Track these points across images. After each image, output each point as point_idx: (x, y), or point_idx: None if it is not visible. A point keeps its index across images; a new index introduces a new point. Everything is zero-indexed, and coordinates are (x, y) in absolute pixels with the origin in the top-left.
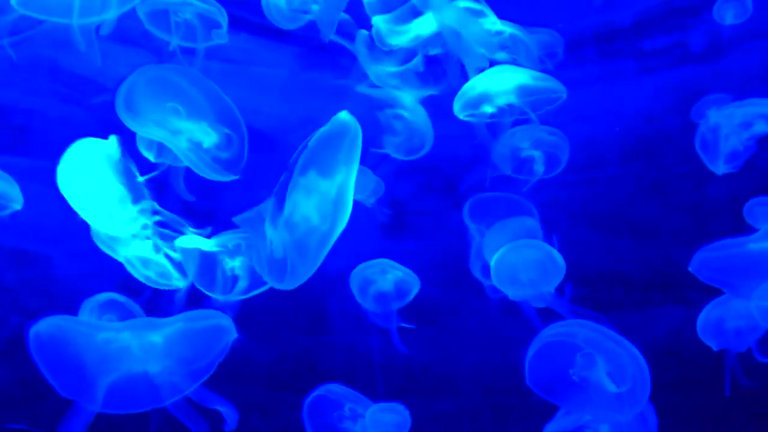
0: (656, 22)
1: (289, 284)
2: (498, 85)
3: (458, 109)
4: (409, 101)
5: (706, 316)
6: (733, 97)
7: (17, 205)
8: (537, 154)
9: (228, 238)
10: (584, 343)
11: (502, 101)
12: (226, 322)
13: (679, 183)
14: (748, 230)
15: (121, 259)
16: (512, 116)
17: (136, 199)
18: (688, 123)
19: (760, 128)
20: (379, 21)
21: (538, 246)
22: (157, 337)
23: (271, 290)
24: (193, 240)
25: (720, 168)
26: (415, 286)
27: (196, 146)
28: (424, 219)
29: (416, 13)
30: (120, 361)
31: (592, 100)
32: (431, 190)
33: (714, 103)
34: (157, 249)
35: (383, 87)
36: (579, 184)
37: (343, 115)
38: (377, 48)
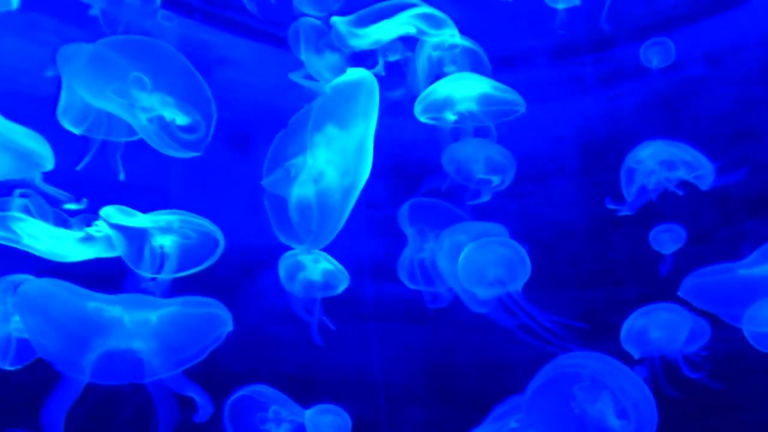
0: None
1: (314, 244)
2: (461, 91)
3: (419, 111)
4: None
5: (631, 324)
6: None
7: (49, 165)
8: (495, 179)
9: (160, 217)
10: (590, 377)
11: (463, 107)
12: (223, 313)
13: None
14: (702, 240)
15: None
16: (473, 123)
17: None
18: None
19: (680, 173)
20: (338, 22)
21: (507, 243)
22: (152, 316)
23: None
24: (119, 214)
25: (627, 198)
26: (343, 283)
27: (160, 122)
28: (385, 220)
29: (376, 19)
30: (109, 333)
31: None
32: (395, 192)
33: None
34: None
35: (318, 80)
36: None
37: (358, 70)
38: (320, 40)
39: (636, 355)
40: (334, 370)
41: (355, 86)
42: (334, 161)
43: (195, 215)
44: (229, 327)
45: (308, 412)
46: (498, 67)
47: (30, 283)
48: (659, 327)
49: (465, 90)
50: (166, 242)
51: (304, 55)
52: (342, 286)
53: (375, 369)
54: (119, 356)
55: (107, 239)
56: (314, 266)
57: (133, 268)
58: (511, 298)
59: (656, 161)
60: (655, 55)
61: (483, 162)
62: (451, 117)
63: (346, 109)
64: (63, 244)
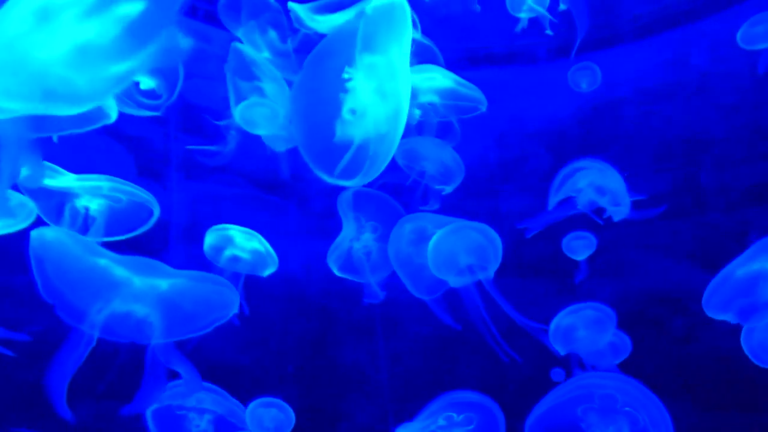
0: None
1: (368, 176)
2: (425, 82)
3: None
4: (276, 77)
5: (558, 322)
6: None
7: (114, 115)
8: (445, 188)
9: (89, 182)
10: (601, 397)
11: (426, 99)
12: (233, 294)
13: None
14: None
15: None
16: (437, 118)
17: None
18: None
19: (604, 201)
20: (296, 7)
21: (479, 228)
22: (162, 283)
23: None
24: (34, 173)
25: (549, 207)
26: (270, 267)
27: None
28: None
29: (335, 9)
30: (116, 292)
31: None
32: None
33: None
34: None
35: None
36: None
37: None
38: (264, 14)
39: (562, 352)
40: (339, 367)
41: (390, 9)
42: (382, 89)
43: (129, 183)
44: (235, 309)
45: (251, 406)
46: (499, 63)
47: (44, 230)
48: (585, 325)
49: (429, 82)
50: (92, 205)
51: (241, 30)
52: (269, 270)
53: (380, 365)
54: (123, 316)
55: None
56: (245, 243)
57: (51, 225)
58: (480, 286)
59: (593, 186)
60: (583, 78)
61: (434, 163)
62: (415, 111)
63: (384, 35)
64: None
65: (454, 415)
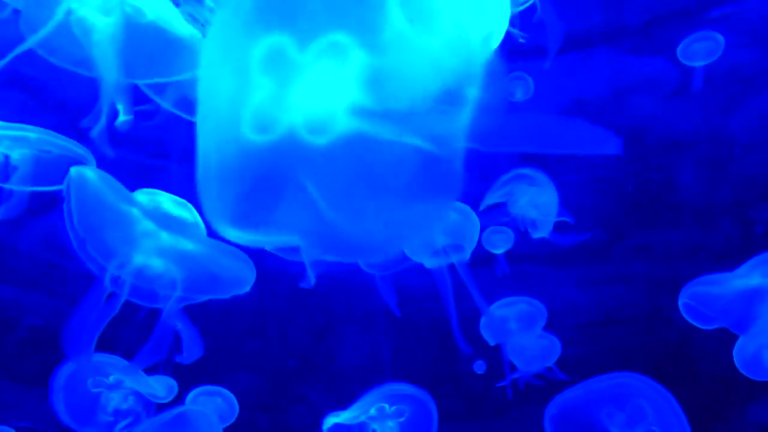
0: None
1: None
2: None
3: None
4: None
5: (491, 313)
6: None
7: None
8: None
9: (13, 129)
10: (631, 400)
11: None
12: (251, 272)
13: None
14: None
15: None
16: None
17: None
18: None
19: (534, 214)
20: None
21: (458, 208)
22: (188, 244)
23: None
24: None
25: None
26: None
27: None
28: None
29: None
30: (143, 243)
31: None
32: None
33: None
34: None
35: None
36: None
37: None
38: None
39: (491, 342)
40: (341, 356)
41: None
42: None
43: (63, 137)
44: (246, 288)
45: (192, 393)
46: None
47: (84, 169)
48: (517, 319)
49: None
50: (13, 153)
51: None
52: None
53: (383, 355)
54: (144, 269)
55: None
56: (173, 210)
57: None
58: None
59: (531, 204)
60: (518, 88)
61: None
62: None
63: None
64: None
65: (386, 406)
